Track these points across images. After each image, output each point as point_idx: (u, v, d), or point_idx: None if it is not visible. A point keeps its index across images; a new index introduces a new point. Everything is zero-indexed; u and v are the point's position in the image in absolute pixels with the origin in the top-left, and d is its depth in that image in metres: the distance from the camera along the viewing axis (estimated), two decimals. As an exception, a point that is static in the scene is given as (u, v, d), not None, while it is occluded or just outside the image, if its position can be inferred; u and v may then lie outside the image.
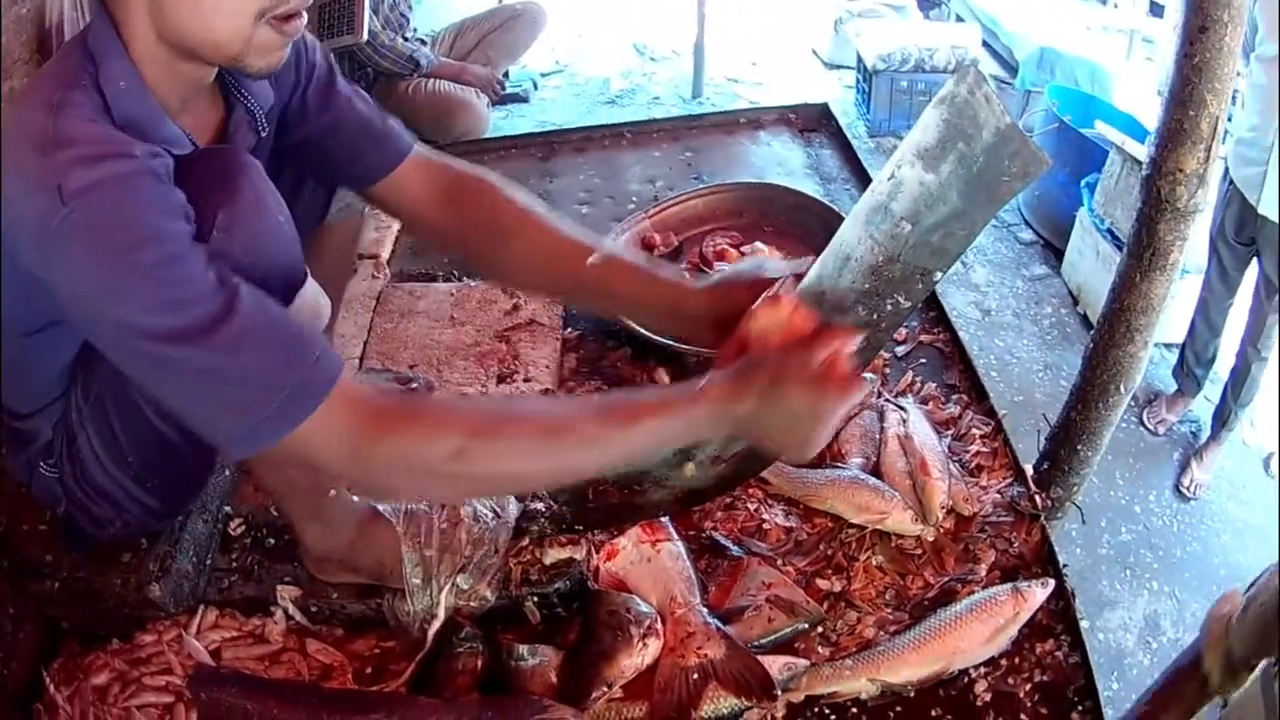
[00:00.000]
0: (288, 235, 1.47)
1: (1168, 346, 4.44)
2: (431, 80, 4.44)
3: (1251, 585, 1.53)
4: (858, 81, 6.08)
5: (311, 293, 1.51)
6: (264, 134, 1.68)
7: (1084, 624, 1.89)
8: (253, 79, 1.58)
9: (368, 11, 3.35)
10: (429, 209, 1.79)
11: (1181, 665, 1.61)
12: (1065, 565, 1.97)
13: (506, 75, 5.28)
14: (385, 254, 3.13)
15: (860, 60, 5.90)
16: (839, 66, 6.54)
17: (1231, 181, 3.68)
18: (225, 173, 1.43)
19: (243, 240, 1.38)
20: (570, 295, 2.08)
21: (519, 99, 5.52)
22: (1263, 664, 1.44)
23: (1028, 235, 5.26)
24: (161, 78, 1.44)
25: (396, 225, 3.22)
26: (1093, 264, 4.53)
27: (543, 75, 6.05)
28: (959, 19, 6.90)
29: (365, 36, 3.38)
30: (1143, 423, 4.22)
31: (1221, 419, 3.98)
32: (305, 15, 1.44)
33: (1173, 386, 4.29)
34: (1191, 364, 4.12)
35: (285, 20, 1.40)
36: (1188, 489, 3.90)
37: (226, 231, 1.36)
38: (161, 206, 1.30)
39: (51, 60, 1.50)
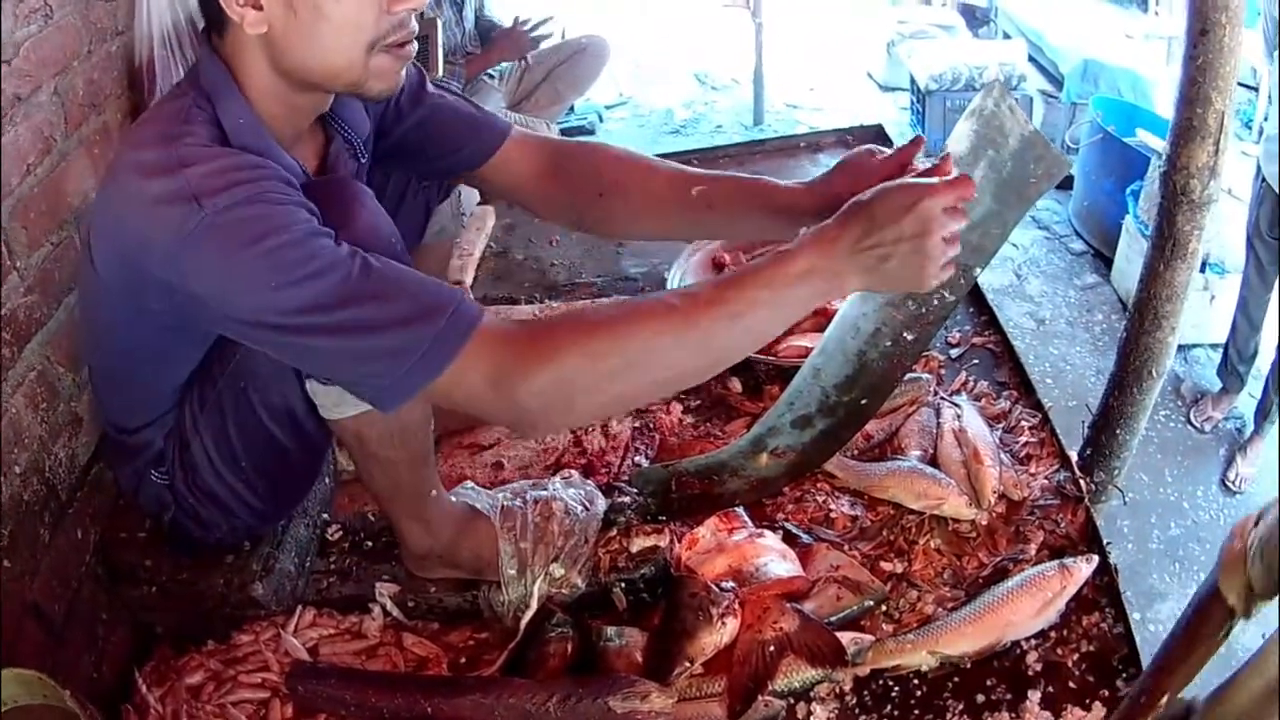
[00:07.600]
0: (400, 256, 1.51)
1: (1213, 346, 4.49)
2: None
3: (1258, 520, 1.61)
4: (912, 102, 6.16)
5: None
6: (363, 160, 1.75)
7: (1135, 615, 1.91)
8: (373, 102, 1.67)
9: (441, 50, 3.44)
10: (534, 183, 1.88)
11: (1203, 597, 1.70)
12: (1108, 543, 2.02)
13: (572, 109, 5.33)
14: (469, 279, 3.16)
15: (913, 81, 5.98)
16: (894, 88, 6.60)
17: (1264, 179, 3.73)
18: (340, 199, 1.48)
19: None
20: (682, 230, 2.04)
21: (586, 131, 5.55)
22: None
23: (1078, 245, 5.32)
24: (277, 111, 1.51)
25: (478, 252, 3.26)
26: (1139, 269, 4.53)
27: (607, 107, 6.12)
28: (1006, 36, 6.96)
29: (440, 73, 3.48)
30: (1190, 421, 4.28)
31: (1264, 412, 4.02)
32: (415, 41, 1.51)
33: (1218, 386, 4.32)
34: (1235, 361, 4.17)
35: (399, 46, 1.47)
36: (1233, 483, 3.94)
37: None
38: (292, 200, 1.37)
39: (162, 100, 1.54)
